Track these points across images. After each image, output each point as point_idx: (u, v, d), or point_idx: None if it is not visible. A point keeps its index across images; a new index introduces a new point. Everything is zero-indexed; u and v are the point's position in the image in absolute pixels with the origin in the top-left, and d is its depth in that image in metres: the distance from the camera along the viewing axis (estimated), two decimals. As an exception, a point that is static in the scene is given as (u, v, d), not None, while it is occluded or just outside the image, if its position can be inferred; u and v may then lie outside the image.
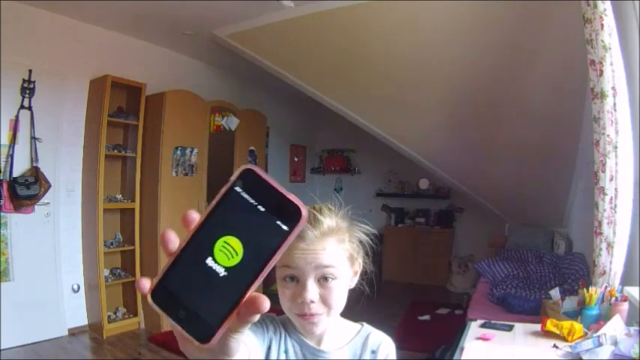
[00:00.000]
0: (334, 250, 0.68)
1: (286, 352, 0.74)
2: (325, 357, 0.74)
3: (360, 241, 0.74)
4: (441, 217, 6.01)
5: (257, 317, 0.30)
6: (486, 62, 3.03)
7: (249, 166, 0.30)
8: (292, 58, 3.78)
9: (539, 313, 2.30)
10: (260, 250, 0.29)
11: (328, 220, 0.69)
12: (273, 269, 0.32)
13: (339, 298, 0.70)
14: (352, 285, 0.74)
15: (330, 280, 0.68)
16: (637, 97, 1.94)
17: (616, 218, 1.88)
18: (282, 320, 0.76)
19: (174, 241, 0.31)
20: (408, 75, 3.41)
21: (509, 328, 1.83)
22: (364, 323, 0.80)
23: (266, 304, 0.29)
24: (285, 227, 0.29)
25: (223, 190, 0.30)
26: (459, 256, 5.64)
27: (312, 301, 0.66)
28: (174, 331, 0.32)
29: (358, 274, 0.75)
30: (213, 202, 0.30)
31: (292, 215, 0.29)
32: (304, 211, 0.29)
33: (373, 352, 0.76)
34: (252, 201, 0.29)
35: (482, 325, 1.88)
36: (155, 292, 0.30)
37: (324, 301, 0.67)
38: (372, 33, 3.11)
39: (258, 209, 0.29)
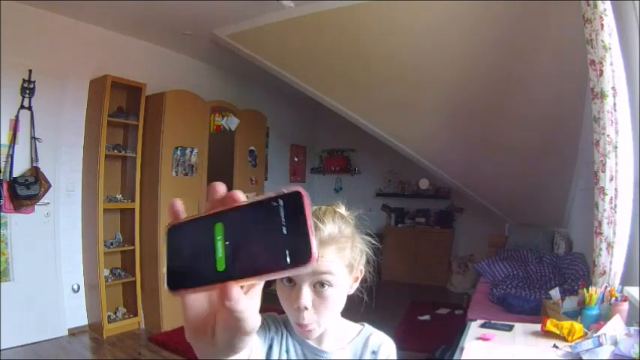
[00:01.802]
0: (333, 258, 0.68)
1: (287, 351, 0.74)
2: (326, 357, 0.74)
3: (361, 251, 0.74)
4: (441, 217, 6.00)
5: (233, 307, 0.29)
6: (486, 62, 3.03)
7: (301, 189, 0.31)
8: (292, 58, 3.78)
9: (539, 313, 2.30)
10: (257, 263, 0.30)
11: (329, 227, 0.68)
12: None
13: (333, 306, 0.69)
14: (351, 291, 0.74)
15: (326, 286, 0.67)
16: (637, 97, 1.94)
17: (616, 218, 1.88)
18: (283, 319, 0.76)
19: (182, 213, 0.33)
20: (408, 75, 3.41)
21: (509, 328, 1.83)
22: (365, 324, 0.81)
23: (228, 301, 0.29)
24: (287, 260, 0.29)
25: (270, 194, 0.31)
26: (459, 256, 5.64)
27: (306, 308, 0.66)
28: (185, 324, 0.33)
29: (358, 281, 0.75)
30: (255, 199, 0.31)
31: (302, 254, 0.29)
32: (313, 261, 0.29)
33: (374, 352, 0.76)
34: (282, 220, 0.30)
35: (483, 325, 1.89)
36: (173, 227, 0.32)
37: (318, 309, 0.67)
38: (372, 33, 3.11)
39: (282, 230, 0.30)
